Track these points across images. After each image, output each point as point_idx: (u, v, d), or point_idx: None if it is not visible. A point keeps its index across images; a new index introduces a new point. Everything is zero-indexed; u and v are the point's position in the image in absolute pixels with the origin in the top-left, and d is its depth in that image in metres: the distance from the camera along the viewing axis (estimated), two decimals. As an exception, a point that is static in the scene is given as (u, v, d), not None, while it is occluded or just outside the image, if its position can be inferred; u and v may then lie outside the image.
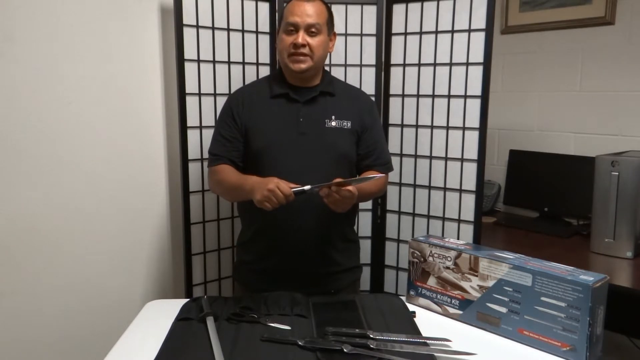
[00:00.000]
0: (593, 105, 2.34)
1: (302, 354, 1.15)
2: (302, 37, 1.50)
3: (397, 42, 2.01)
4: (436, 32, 1.93)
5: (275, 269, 1.58)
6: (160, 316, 1.35)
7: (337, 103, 1.60)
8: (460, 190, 1.94)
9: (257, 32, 1.98)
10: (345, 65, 2.02)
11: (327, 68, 1.71)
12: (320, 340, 1.19)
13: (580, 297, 1.16)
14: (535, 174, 2.47)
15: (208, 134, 1.64)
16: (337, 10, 1.97)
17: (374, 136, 1.63)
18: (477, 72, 1.86)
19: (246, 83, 1.88)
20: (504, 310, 1.29)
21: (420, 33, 1.96)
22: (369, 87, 2.01)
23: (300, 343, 1.17)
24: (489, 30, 1.82)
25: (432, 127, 1.98)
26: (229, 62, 1.93)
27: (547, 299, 1.22)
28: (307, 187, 1.37)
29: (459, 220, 1.95)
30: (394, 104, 2.04)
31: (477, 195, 1.91)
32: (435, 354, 1.15)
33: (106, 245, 1.91)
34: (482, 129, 1.87)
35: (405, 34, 1.99)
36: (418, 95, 1.99)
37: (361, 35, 2.01)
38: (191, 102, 1.87)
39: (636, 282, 1.77)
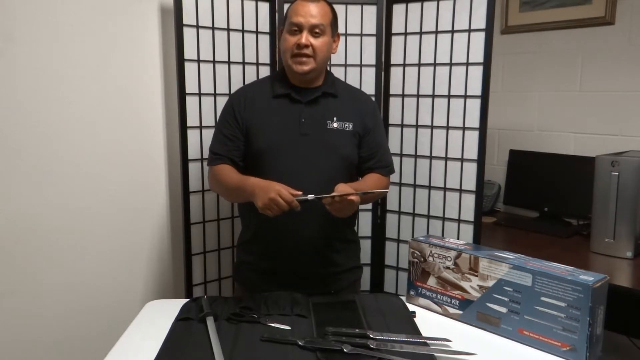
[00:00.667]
0: (593, 105, 2.34)
1: (302, 354, 1.15)
2: (305, 37, 1.49)
3: (397, 42, 2.01)
4: (436, 32, 1.93)
5: (275, 270, 1.58)
6: (160, 316, 1.35)
7: (339, 104, 1.60)
8: (460, 190, 1.94)
9: (257, 32, 1.98)
10: (345, 65, 2.02)
11: (327, 68, 1.71)
12: (320, 340, 1.19)
13: (580, 297, 1.16)
14: (535, 174, 2.47)
15: (208, 134, 1.64)
16: (337, 10, 1.94)
17: (376, 138, 1.63)
18: (477, 72, 1.86)
19: (246, 83, 1.88)
20: (504, 310, 1.29)
21: (420, 33, 1.96)
22: (369, 87, 2.01)
23: (300, 343, 1.17)
24: (489, 30, 1.82)
25: (432, 127, 1.98)
26: (229, 62, 1.93)
27: (547, 299, 1.22)
28: (310, 197, 1.36)
29: (459, 220, 1.95)
30: (394, 104, 2.04)
31: (477, 195, 1.91)
32: (435, 354, 1.15)
33: (106, 245, 1.91)
34: (482, 129, 1.87)
35: (405, 34, 1.99)
36: (418, 95, 1.99)
37: (361, 35, 2.01)
38: (191, 102, 1.87)
39: (636, 282, 1.77)
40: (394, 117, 2.05)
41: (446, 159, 1.96)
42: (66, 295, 1.82)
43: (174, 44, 1.82)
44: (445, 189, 1.97)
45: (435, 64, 1.95)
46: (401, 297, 1.51)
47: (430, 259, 1.44)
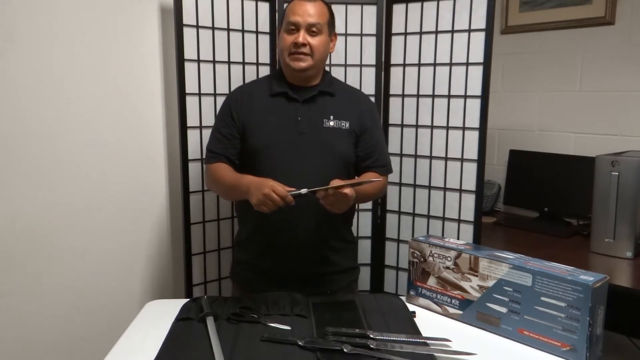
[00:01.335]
0: (593, 105, 2.34)
1: (302, 354, 1.15)
2: (302, 36, 1.50)
3: (397, 42, 2.01)
4: (436, 32, 1.93)
5: (271, 269, 1.58)
6: (160, 316, 1.35)
7: (336, 103, 1.60)
8: (460, 190, 1.94)
9: (257, 32, 1.98)
10: (345, 65, 2.02)
11: (327, 68, 1.71)
12: (320, 340, 1.19)
13: (580, 297, 1.16)
14: (535, 174, 2.47)
15: (208, 134, 1.64)
16: (337, 10, 1.97)
17: (373, 138, 1.63)
18: (477, 72, 1.86)
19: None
20: (504, 310, 1.29)
21: (420, 33, 1.96)
22: (369, 87, 2.01)
23: (300, 343, 1.17)
24: (489, 30, 1.82)
25: (432, 127, 1.98)
26: (229, 62, 1.94)
27: (547, 299, 1.22)
28: (303, 191, 1.36)
29: (459, 220, 1.95)
30: (394, 104, 2.04)
31: (477, 195, 1.91)
32: (435, 354, 1.15)
33: (106, 245, 1.91)
34: (482, 129, 1.87)
35: (405, 34, 1.99)
36: (418, 95, 1.99)
37: (361, 35, 2.01)
38: (191, 102, 1.87)
39: (636, 282, 1.77)
40: (394, 117, 2.05)
41: (446, 159, 1.96)
42: (66, 295, 1.82)
43: (174, 44, 1.82)
44: (445, 189, 1.97)
45: (435, 64, 1.95)
46: (401, 297, 1.51)
47: (430, 259, 1.44)
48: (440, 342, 1.21)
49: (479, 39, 1.84)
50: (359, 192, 1.44)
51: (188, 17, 1.81)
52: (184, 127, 1.86)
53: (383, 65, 2.03)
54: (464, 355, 1.16)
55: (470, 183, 1.92)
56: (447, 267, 1.41)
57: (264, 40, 2.00)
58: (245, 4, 1.94)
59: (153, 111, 1.98)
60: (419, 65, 1.98)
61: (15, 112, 1.66)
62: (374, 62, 2.02)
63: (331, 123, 1.57)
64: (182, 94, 1.84)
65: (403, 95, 2.02)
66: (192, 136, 1.88)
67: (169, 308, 1.38)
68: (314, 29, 1.51)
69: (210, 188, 1.68)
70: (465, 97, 1.89)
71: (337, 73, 1.96)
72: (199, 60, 1.86)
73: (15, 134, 1.66)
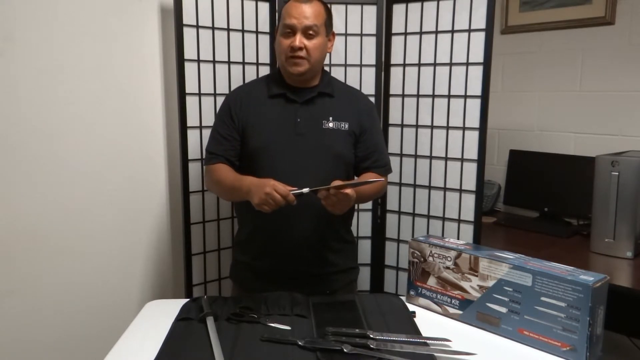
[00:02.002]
0: (593, 105, 2.34)
1: (302, 354, 1.15)
2: (299, 39, 1.49)
3: (397, 42, 2.01)
4: (436, 32, 1.93)
5: (271, 269, 1.58)
6: (160, 316, 1.35)
7: (335, 104, 1.59)
8: (460, 190, 1.94)
9: (257, 32, 1.98)
10: (345, 65, 2.02)
11: (327, 68, 1.71)
12: (320, 340, 1.19)
13: (580, 297, 1.16)
14: (535, 174, 2.47)
15: (208, 134, 1.64)
16: (337, 10, 1.97)
17: (372, 138, 1.62)
18: (477, 72, 1.86)
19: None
20: (504, 310, 1.29)
21: (420, 33, 1.96)
22: (369, 87, 2.01)
23: (300, 343, 1.17)
24: (489, 30, 1.82)
25: (432, 127, 1.98)
26: (229, 62, 1.94)
27: (547, 299, 1.22)
28: (305, 190, 1.36)
29: (459, 220, 1.95)
30: (394, 104, 2.04)
31: (477, 195, 1.91)
32: (435, 354, 1.15)
33: (106, 245, 1.91)
34: (482, 129, 1.87)
35: (405, 34, 1.99)
36: (418, 95, 1.99)
37: (361, 35, 2.01)
38: (191, 102, 1.87)
39: (636, 282, 1.77)
40: (394, 117, 2.05)
41: (446, 159, 1.96)
42: (66, 295, 1.82)
43: (174, 44, 1.82)
44: (445, 189, 1.97)
45: (435, 64, 1.95)
46: (401, 297, 1.51)
47: (430, 259, 1.44)
48: (440, 342, 1.21)
49: (479, 39, 1.84)
50: (359, 193, 1.44)
51: (188, 17, 1.81)
52: (184, 127, 1.86)
53: (383, 65, 2.03)
54: (464, 355, 1.16)
55: (470, 183, 1.92)
56: (447, 267, 1.41)
57: (264, 40, 2.00)
58: (245, 4, 1.94)
59: (153, 111, 1.98)
60: (419, 65, 1.98)
61: (15, 112, 1.66)
62: (374, 62, 2.02)
63: (330, 124, 1.56)
64: (182, 94, 1.84)
65: (403, 95, 2.02)
66: (192, 136, 1.88)
67: (169, 308, 1.38)
68: (310, 32, 1.50)
69: (210, 189, 1.67)
70: (465, 97, 1.89)
71: (337, 73, 1.96)
72: (199, 60, 1.86)
73: (15, 134, 1.66)
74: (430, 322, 1.37)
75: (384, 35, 2.02)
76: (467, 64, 1.88)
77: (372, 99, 1.92)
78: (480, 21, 1.83)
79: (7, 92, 1.64)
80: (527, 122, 2.55)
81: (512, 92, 2.59)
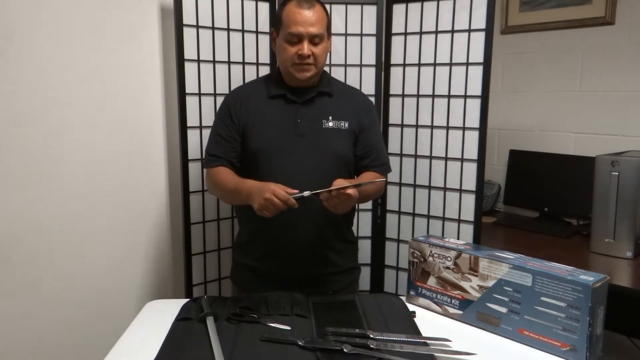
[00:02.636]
0: (593, 105, 2.34)
1: (302, 354, 1.15)
2: (307, 48, 1.48)
3: (397, 42, 2.01)
4: (436, 32, 1.93)
5: (272, 270, 1.58)
6: (160, 316, 1.35)
7: (334, 103, 1.59)
8: (460, 190, 1.94)
9: (257, 32, 1.98)
10: (345, 65, 2.02)
11: (327, 68, 1.71)
12: (320, 340, 1.19)
13: (580, 297, 1.16)
14: (535, 174, 2.47)
15: (208, 134, 1.64)
16: (337, 10, 1.97)
17: (371, 137, 1.62)
18: (477, 72, 1.86)
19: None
20: (504, 310, 1.29)
21: (420, 33, 1.96)
22: (369, 87, 2.01)
23: (300, 343, 1.17)
24: (489, 30, 1.82)
25: (432, 127, 1.98)
26: (229, 62, 1.93)
27: (547, 299, 1.22)
28: (306, 193, 1.35)
29: (459, 220, 1.95)
30: (394, 104, 2.04)
31: (477, 195, 1.91)
32: (435, 354, 1.15)
33: (106, 245, 1.91)
34: (482, 129, 1.87)
35: (405, 34, 1.99)
36: (418, 95, 1.99)
37: (361, 35, 2.01)
38: (191, 102, 1.87)
39: (636, 282, 1.77)
40: (394, 117, 2.05)
41: (446, 159, 1.96)
42: (66, 295, 1.82)
43: (174, 44, 1.82)
44: (445, 189, 1.97)
45: (435, 64, 1.95)
46: (401, 297, 1.51)
47: (430, 259, 1.44)
48: (440, 342, 1.21)
49: (479, 39, 1.84)
50: (360, 192, 1.44)
51: (188, 17, 1.81)
52: (184, 127, 1.86)
53: (383, 65, 2.03)
54: (464, 355, 1.16)
55: (470, 183, 1.92)
56: (447, 267, 1.41)
57: (264, 40, 2.00)
58: (245, 4, 1.94)
59: (153, 111, 1.98)
60: (419, 65, 1.98)
61: (15, 112, 1.66)
62: (374, 62, 2.02)
63: (330, 124, 1.56)
64: (182, 94, 1.84)
65: (403, 95, 2.02)
66: (192, 136, 1.88)
67: (169, 308, 1.38)
68: (316, 40, 1.50)
69: (211, 192, 1.67)
70: (465, 97, 1.89)
71: (337, 73, 1.96)
72: (199, 60, 1.86)
73: (15, 134, 1.66)
74: (430, 322, 1.37)
75: (384, 35, 2.02)
76: (467, 64, 1.88)
77: (372, 99, 1.92)
78: (480, 21, 1.83)
79: (7, 92, 1.64)
80: (527, 122, 2.55)
81: (512, 92, 2.59)
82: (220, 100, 1.85)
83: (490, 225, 2.40)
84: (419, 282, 1.47)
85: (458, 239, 1.93)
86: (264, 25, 1.99)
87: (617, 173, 1.91)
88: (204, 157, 1.63)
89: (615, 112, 2.28)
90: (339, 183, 1.36)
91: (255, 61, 1.99)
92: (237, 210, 1.70)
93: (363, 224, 2.10)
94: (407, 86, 2.01)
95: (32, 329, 1.75)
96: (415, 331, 1.27)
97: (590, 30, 2.32)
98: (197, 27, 1.84)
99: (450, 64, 1.91)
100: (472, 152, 1.90)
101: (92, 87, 1.81)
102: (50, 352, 1.79)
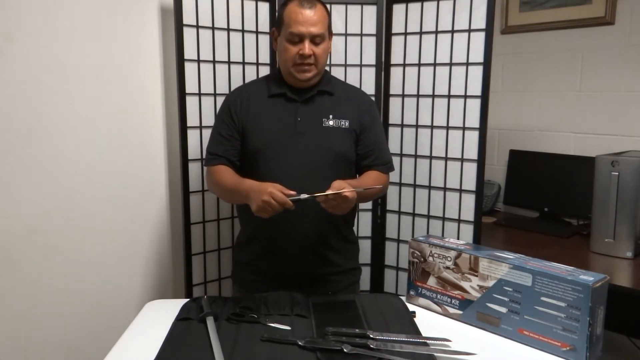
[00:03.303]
0: (593, 105, 2.34)
1: (302, 354, 1.15)
2: (308, 47, 1.48)
3: (397, 42, 2.01)
4: (436, 32, 1.93)
5: (272, 270, 1.58)
6: (160, 316, 1.35)
7: (335, 102, 1.59)
8: (460, 190, 1.94)
9: (257, 32, 1.98)
10: (345, 65, 2.02)
11: (327, 68, 1.71)
12: (320, 340, 1.19)
13: (580, 297, 1.16)
14: (535, 174, 2.47)
15: (208, 134, 1.64)
16: (337, 10, 1.97)
17: (373, 136, 1.62)
18: (477, 72, 1.86)
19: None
20: (504, 310, 1.29)
21: (420, 33, 1.96)
22: (369, 87, 2.01)
23: (300, 343, 1.17)
24: (489, 30, 1.82)
25: (432, 127, 1.98)
26: (229, 62, 1.94)
27: (547, 299, 1.22)
28: (303, 196, 1.35)
29: (459, 220, 1.95)
30: (394, 104, 2.04)
31: (477, 195, 1.91)
32: (435, 354, 1.15)
33: (106, 245, 1.91)
34: (482, 129, 1.87)
35: (405, 34, 1.99)
36: (418, 95, 1.99)
37: (361, 35, 2.01)
38: (191, 102, 1.87)
39: (636, 282, 1.77)
40: (394, 117, 2.05)
41: (446, 159, 1.96)
42: (66, 295, 1.82)
43: (174, 44, 1.82)
44: (445, 189, 1.97)
45: (435, 64, 1.95)
46: (401, 297, 1.51)
47: (430, 259, 1.44)
48: (440, 342, 1.21)
49: (479, 39, 1.84)
50: (361, 193, 1.44)
51: (188, 17, 1.81)
52: (184, 127, 1.86)
53: (383, 65, 2.03)
54: (464, 355, 1.16)
55: (470, 183, 1.92)
56: (447, 267, 1.41)
57: (264, 40, 2.00)
58: (245, 4, 1.94)
59: (153, 111, 1.98)
60: (419, 65, 1.98)
61: (14, 112, 1.66)
62: (374, 62, 2.02)
63: (330, 122, 1.56)
64: (182, 94, 1.84)
65: (403, 95, 2.02)
66: (192, 136, 1.88)
67: (169, 308, 1.38)
68: (317, 40, 1.50)
69: (211, 190, 1.67)
70: (465, 97, 1.89)
71: (337, 73, 1.96)
72: (199, 60, 1.86)
73: (15, 133, 1.66)
74: (430, 322, 1.37)
75: (384, 35, 2.02)
76: (467, 64, 1.88)
77: (372, 99, 1.92)
78: (480, 21, 1.83)
79: (7, 92, 1.64)
80: (527, 122, 2.55)
81: (512, 92, 2.59)
82: (220, 100, 1.85)
83: (490, 225, 2.40)
84: (419, 282, 1.47)
85: (458, 239, 1.93)
86: (264, 25, 1.99)
87: (617, 173, 1.91)
88: (204, 155, 1.64)
89: (615, 112, 2.28)
90: (337, 185, 1.36)
91: (255, 61, 1.99)
92: (238, 210, 1.70)
93: (363, 224, 2.10)
94: (407, 86, 2.01)
95: (32, 328, 1.75)
96: (415, 331, 1.27)
97: (590, 30, 2.32)
98: (197, 27, 1.84)
99: (450, 64, 1.91)
100: (472, 152, 1.90)
101: (92, 87, 1.81)
102: (50, 352, 1.79)
